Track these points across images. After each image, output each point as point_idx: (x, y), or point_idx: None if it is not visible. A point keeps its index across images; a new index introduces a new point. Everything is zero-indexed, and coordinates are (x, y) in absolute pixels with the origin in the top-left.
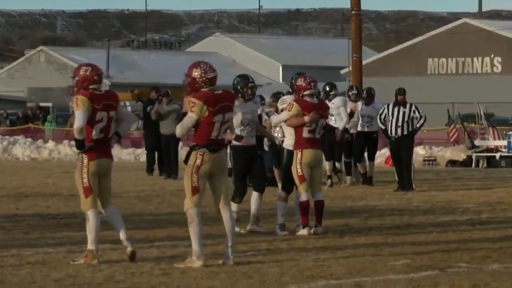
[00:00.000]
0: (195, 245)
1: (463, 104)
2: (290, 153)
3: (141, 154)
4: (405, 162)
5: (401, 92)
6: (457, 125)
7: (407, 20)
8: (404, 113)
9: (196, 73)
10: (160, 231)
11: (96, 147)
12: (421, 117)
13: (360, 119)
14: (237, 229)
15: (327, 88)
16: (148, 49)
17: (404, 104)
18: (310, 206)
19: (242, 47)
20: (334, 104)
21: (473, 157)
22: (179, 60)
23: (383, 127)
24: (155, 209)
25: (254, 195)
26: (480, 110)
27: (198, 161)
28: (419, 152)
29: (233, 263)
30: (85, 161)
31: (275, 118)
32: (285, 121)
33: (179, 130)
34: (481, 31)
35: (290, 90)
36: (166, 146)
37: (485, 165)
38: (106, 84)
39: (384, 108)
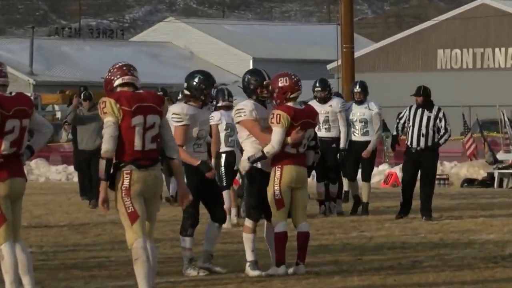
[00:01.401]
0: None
1: (482, 107)
2: (251, 172)
3: (74, 173)
4: (427, 182)
5: (420, 91)
6: (475, 134)
7: (411, 1)
8: (429, 118)
9: (107, 74)
10: (98, 272)
11: (7, 165)
12: (446, 130)
13: (353, 124)
14: (192, 272)
15: (319, 87)
16: (83, 38)
17: (429, 106)
18: (287, 239)
19: (202, 36)
20: (332, 107)
21: (495, 175)
22: (122, 52)
23: (395, 133)
24: (92, 242)
25: (211, 226)
26: (503, 115)
27: (126, 182)
28: None
29: None
30: None
31: (275, 144)
32: (254, 135)
33: (104, 146)
34: (505, 15)
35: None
36: (87, 165)
37: (510, 185)
38: (29, 82)
39: (406, 111)
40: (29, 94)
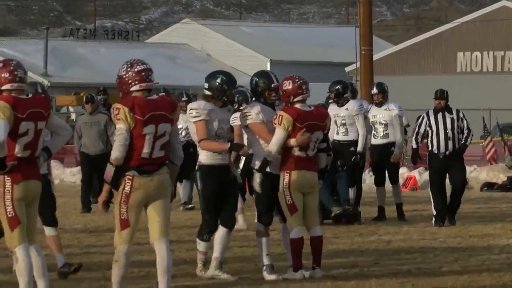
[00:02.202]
0: None
1: (503, 111)
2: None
3: None
4: (458, 188)
5: (437, 95)
6: (495, 138)
7: (431, 2)
8: (452, 120)
9: (122, 70)
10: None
11: (21, 167)
12: (469, 130)
13: (373, 127)
14: (205, 275)
15: (339, 89)
16: (98, 39)
17: (449, 109)
18: (303, 244)
19: (219, 37)
20: (349, 110)
21: None
22: (137, 53)
23: (416, 146)
24: (107, 244)
25: (220, 232)
26: None
27: (127, 188)
28: None
29: None
30: (8, 184)
31: (273, 145)
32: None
33: (114, 153)
34: None
35: (253, 97)
36: (89, 169)
37: None
38: (44, 84)
39: (423, 117)
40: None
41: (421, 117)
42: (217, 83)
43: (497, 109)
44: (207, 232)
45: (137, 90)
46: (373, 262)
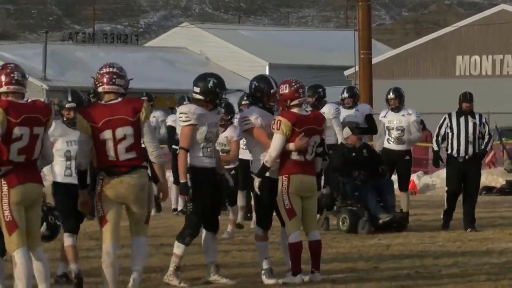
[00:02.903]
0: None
1: (502, 114)
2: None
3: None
4: (473, 193)
5: (467, 98)
6: (494, 142)
7: (430, 6)
8: (474, 125)
9: (98, 73)
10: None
11: (17, 171)
12: (490, 136)
13: (388, 132)
14: (174, 281)
15: (321, 92)
16: (97, 43)
17: (473, 113)
18: (302, 248)
19: (218, 41)
20: (325, 114)
21: None
22: (136, 57)
23: (437, 148)
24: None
25: (207, 236)
26: None
27: (98, 188)
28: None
29: None
30: (5, 189)
31: (272, 150)
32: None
33: (77, 160)
34: None
35: (251, 100)
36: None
37: None
38: (42, 88)
39: (444, 119)
40: (42, 100)
41: (443, 118)
42: (209, 87)
43: (496, 112)
44: (189, 235)
45: (103, 92)
46: (372, 266)
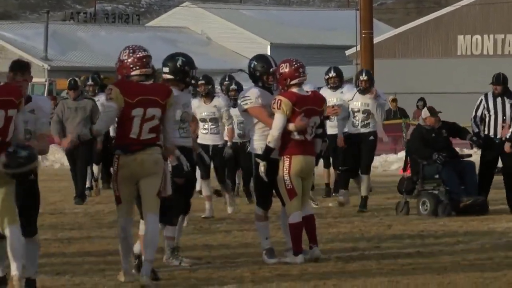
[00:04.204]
0: (123, 261)
1: None
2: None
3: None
4: (510, 173)
5: (495, 80)
6: None
7: None
8: (511, 106)
9: (124, 55)
10: (114, 258)
11: None
12: None
13: (353, 114)
14: (174, 262)
15: (332, 73)
16: (98, 23)
17: (508, 94)
18: (303, 228)
19: (219, 21)
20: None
21: None
22: (138, 37)
23: (477, 130)
24: (108, 229)
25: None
26: None
27: (115, 166)
28: None
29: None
30: None
31: (274, 130)
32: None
33: (98, 125)
34: None
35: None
36: (71, 159)
37: None
38: (43, 68)
39: (481, 100)
40: (43, 80)
41: (479, 99)
42: (178, 65)
43: None
44: (176, 215)
45: (137, 75)
46: (374, 246)
